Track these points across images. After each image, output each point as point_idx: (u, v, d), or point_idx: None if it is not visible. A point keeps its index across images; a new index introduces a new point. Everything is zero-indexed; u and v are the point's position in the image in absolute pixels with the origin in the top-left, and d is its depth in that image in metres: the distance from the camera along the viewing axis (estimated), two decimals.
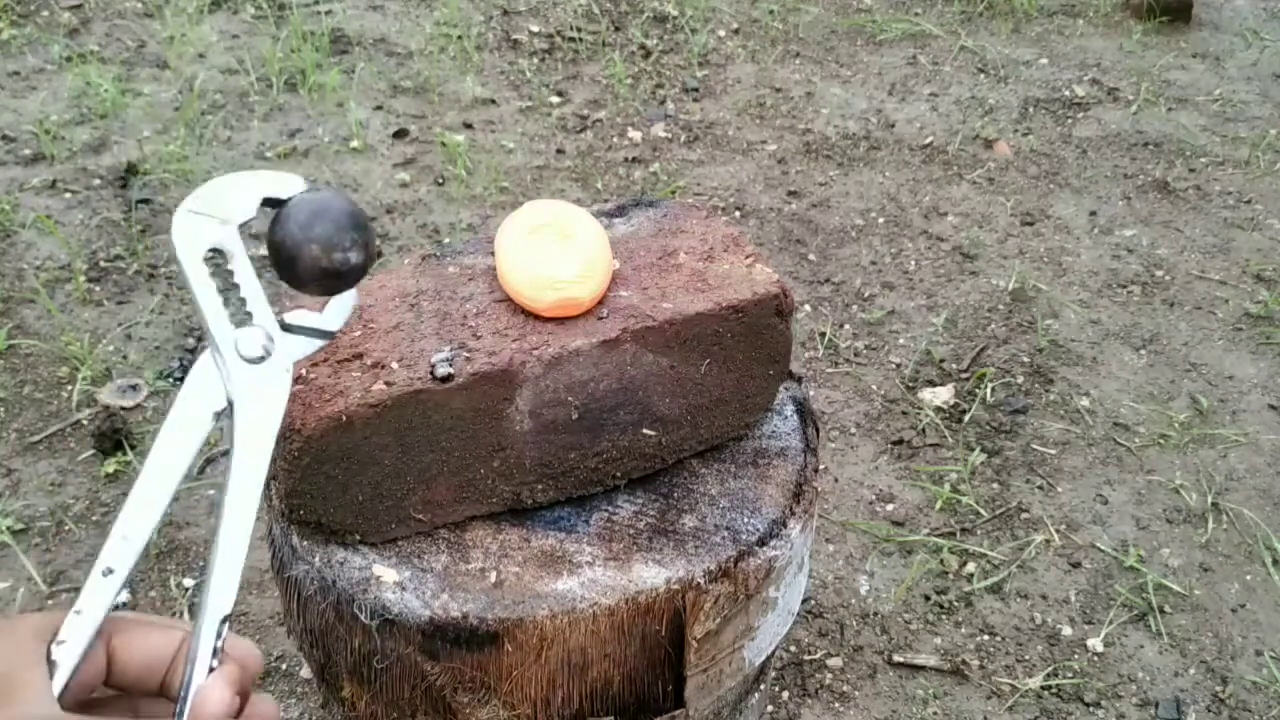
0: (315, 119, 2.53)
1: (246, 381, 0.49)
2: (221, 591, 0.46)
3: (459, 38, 2.90)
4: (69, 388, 1.80)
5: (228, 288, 0.50)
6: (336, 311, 0.53)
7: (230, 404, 0.49)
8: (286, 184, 0.52)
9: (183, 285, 0.52)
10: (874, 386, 1.89)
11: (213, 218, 0.50)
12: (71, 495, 1.63)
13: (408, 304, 0.83)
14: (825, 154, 2.51)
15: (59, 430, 1.74)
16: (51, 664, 0.42)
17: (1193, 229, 2.30)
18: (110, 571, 0.44)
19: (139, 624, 0.46)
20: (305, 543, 0.79)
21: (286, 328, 0.51)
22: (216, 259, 0.50)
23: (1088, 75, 2.86)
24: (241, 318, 0.50)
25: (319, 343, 0.53)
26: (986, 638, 1.49)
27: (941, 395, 1.86)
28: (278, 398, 0.50)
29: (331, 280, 0.51)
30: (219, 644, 0.45)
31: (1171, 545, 1.62)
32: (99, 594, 0.44)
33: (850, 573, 1.57)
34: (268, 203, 0.51)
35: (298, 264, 0.51)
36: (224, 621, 0.45)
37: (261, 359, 0.49)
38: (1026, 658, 1.46)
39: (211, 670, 0.44)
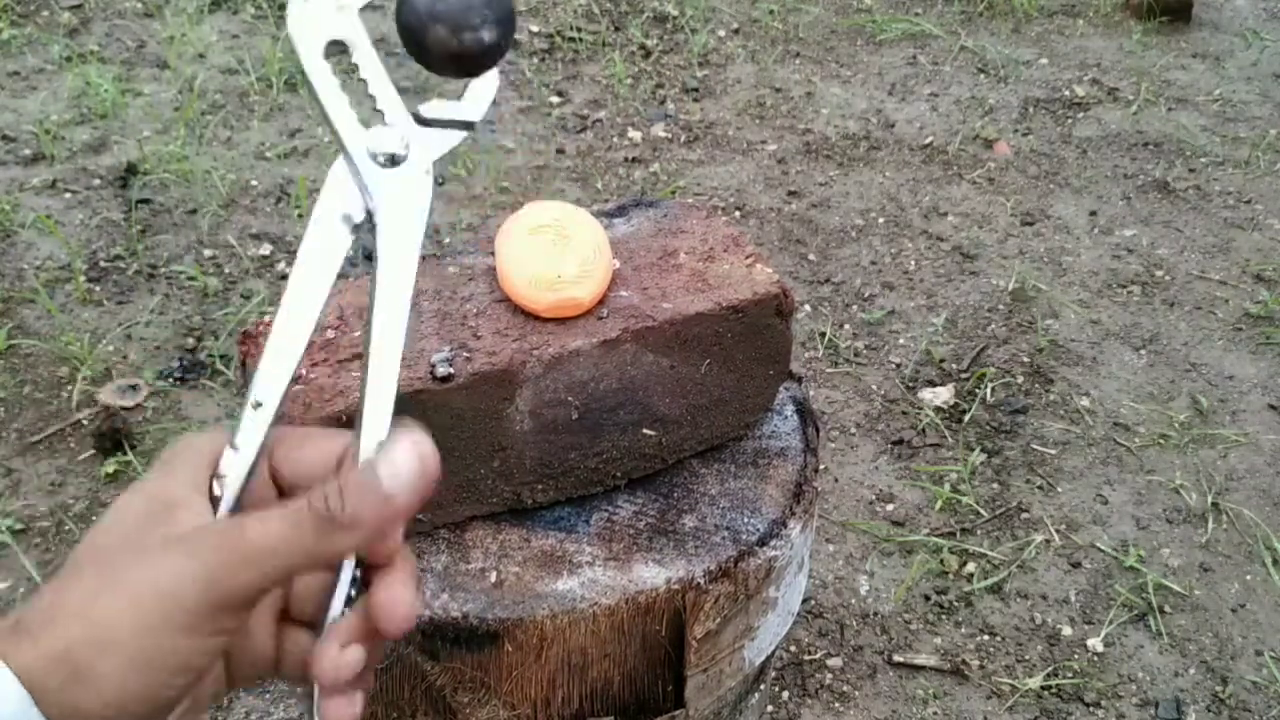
0: (315, 119, 2.53)
1: (385, 187, 0.44)
2: (377, 413, 0.43)
3: None
4: (69, 388, 1.80)
5: (355, 84, 0.45)
6: (475, 98, 0.47)
7: (369, 214, 0.45)
8: None
9: (305, 87, 0.47)
10: (874, 386, 1.89)
11: (329, 4, 0.45)
12: (71, 495, 1.63)
13: None
14: (825, 154, 2.51)
15: (59, 430, 1.74)
16: (215, 498, 0.42)
17: (1193, 229, 2.30)
18: (260, 405, 0.43)
19: (301, 435, 0.45)
20: None
21: (423, 122, 0.47)
22: (341, 53, 0.45)
23: (1088, 75, 2.86)
24: (373, 116, 0.45)
25: (460, 134, 0.47)
26: (986, 638, 1.49)
27: (941, 395, 1.86)
28: (421, 201, 0.45)
29: (464, 63, 0.46)
30: None
31: (1171, 545, 1.62)
32: (252, 429, 0.42)
33: (850, 573, 1.57)
34: None
35: (425, 47, 0.45)
36: (381, 445, 0.43)
37: (398, 160, 0.45)
38: (1026, 658, 1.46)
39: None
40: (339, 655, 0.42)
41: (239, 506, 0.42)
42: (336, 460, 0.44)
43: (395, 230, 0.45)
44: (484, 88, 0.47)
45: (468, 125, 0.47)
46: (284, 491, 0.44)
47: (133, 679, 0.38)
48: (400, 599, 0.43)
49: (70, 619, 0.38)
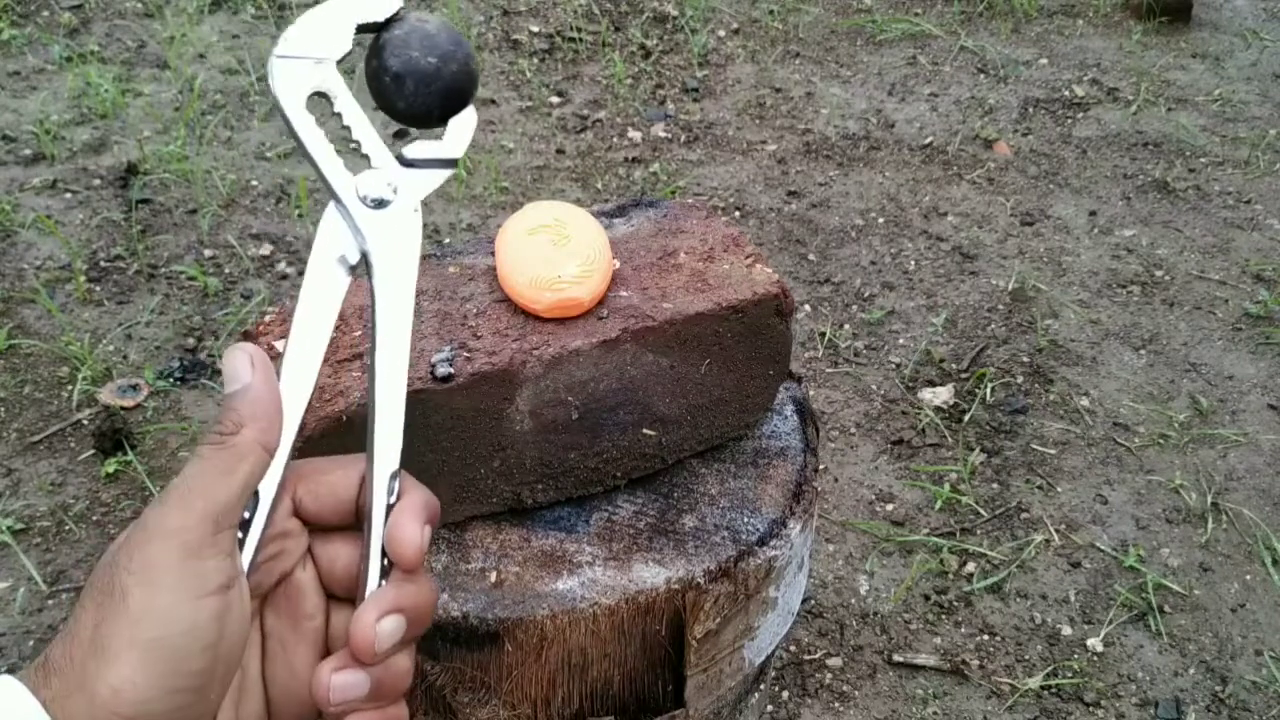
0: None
1: (376, 228, 0.47)
2: (386, 447, 0.45)
3: None
4: (69, 388, 1.80)
5: (338, 131, 0.47)
6: (457, 136, 0.49)
7: (364, 255, 0.47)
8: (381, 5, 0.47)
9: (291, 139, 0.48)
10: (874, 386, 1.89)
11: (306, 58, 0.46)
12: (72, 495, 1.63)
13: None
14: (825, 154, 2.51)
15: (59, 430, 1.74)
16: (239, 539, 0.43)
17: (1192, 229, 2.30)
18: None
19: (317, 468, 0.46)
20: None
21: (407, 164, 0.48)
22: (321, 103, 0.47)
23: (1087, 75, 2.86)
24: (358, 161, 0.47)
25: (445, 173, 0.49)
26: (986, 637, 1.49)
27: (941, 395, 1.86)
28: (412, 239, 0.47)
29: (441, 107, 0.48)
30: (391, 500, 0.45)
31: (1171, 545, 1.62)
32: (268, 472, 0.44)
33: (850, 572, 1.57)
34: (362, 29, 0.47)
35: (400, 97, 0.47)
36: (393, 477, 0.45)
37: (387, 202, 0.47)
38: (1026, 657, 1.46)
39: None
40: (376, 625, 0.43)
41: (261, 545, 0.43)
42: (357, 487, 0.45)
43: (390, 269, 0.47)
44: (464, 126, 0.49)
45: (451, 163, 0.49)
46: (308, 523, 0.46)
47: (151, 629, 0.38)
48: (405, 525, 0.44)
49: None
